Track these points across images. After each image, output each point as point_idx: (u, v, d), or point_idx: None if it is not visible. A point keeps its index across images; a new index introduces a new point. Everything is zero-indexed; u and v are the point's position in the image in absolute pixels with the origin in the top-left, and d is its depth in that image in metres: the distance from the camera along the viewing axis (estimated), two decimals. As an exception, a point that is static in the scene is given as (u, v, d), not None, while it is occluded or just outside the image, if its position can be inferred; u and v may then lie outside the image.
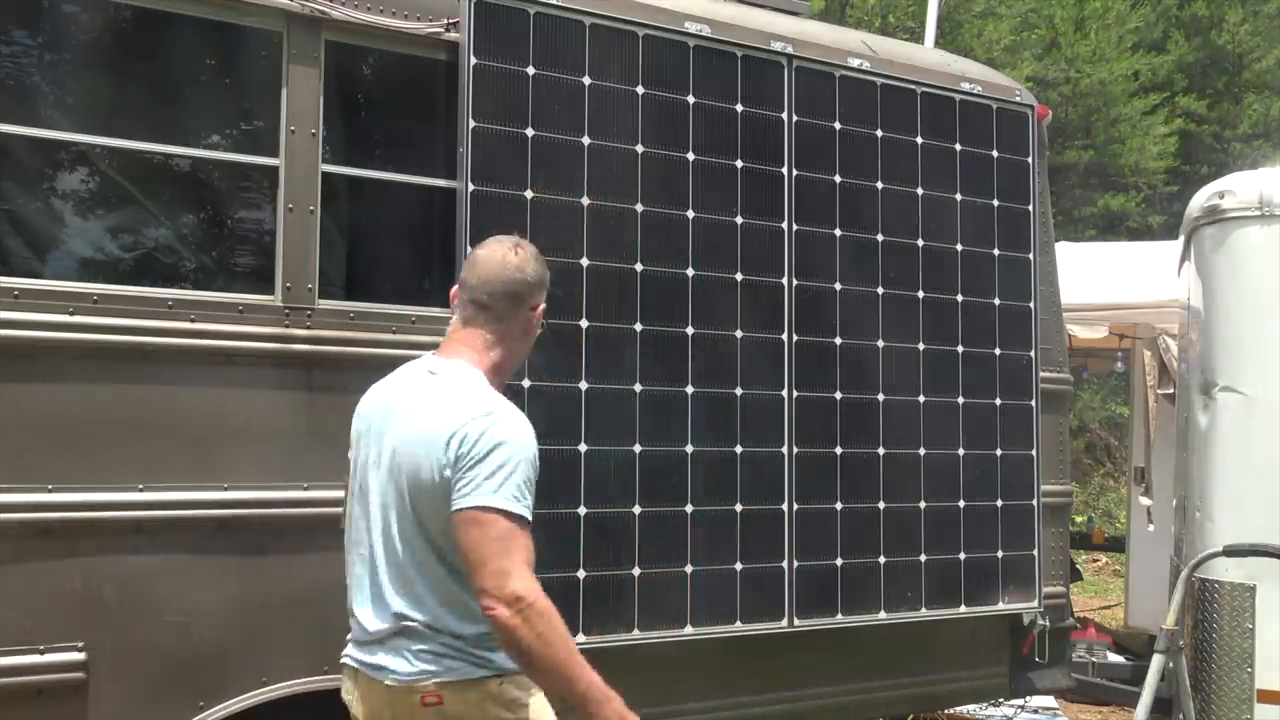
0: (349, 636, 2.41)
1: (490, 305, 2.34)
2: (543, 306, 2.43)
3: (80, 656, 2.66)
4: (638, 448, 3.31)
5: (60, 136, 2.80)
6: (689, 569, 3.39)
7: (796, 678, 3.66)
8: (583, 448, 3.21)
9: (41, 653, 2.63)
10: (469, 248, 3.08)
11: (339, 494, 2.91)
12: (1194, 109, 15.96)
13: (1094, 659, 6.34)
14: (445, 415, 2.21)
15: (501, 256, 2.36)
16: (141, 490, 2.74)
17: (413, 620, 2.22)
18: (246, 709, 2.83)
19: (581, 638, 3.13)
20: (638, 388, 3.34)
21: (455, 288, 2.44)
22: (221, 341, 2.85)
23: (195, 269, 3.03)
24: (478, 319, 2.35)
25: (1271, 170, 4.54)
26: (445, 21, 3.15)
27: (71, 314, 2.70)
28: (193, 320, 2.82)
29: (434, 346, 3.06)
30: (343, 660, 2.41)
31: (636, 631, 3.27)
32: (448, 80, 3.16)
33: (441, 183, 3.17)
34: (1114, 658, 6.51)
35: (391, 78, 3.25)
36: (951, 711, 5.34)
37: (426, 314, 3.12)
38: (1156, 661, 3.84)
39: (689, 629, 3.38)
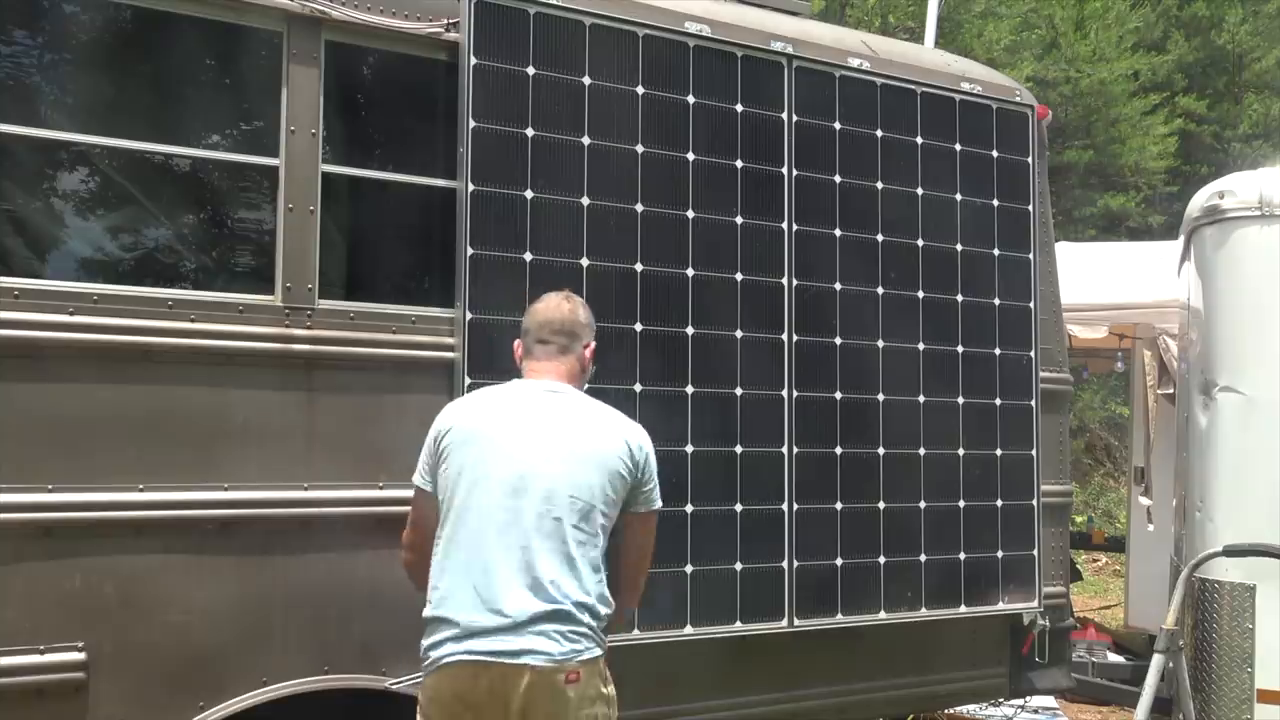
0: (452, 634, 2.46)
1: (552, 340, 2.74)
2: (593, 346, 2.80)
3: (80, 656, 2.66)
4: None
5: (60, 136, 2.80)
6: (689, 569, 3.39)
7: (796, 678, 3.66)
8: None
9: (41, 653, 2.63)
10: (469, 247, 3.09)
11: (339, 494, 2.94)
12: (1194, 109, 15.94)
13: (1094, 659, 6.34)
14: (616, 427, 2.67)
15: (556, 304, 2.79)
16: (141, 490, 2.74)
17: (570, 602, 2.47)
18: (246, 709, 2.83)
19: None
20: (638, 388, 3.34)
21: (517, 342, 2.80)
22: (221, 341, 2.85)
23: (195, 269, 3.03)
24: (545, 353, 2.74)
25: (1271, 170, 4.54)
26: (445, 21, 3.15)
27: (72, 314, 2.70)
28: (193, 320, 2.82)
29: (434, 346, 3.09)
30: (456, 658, 2.45)
31: (637, 631, 3.27)
32: (447, 80, 3.16)
33: (441, 183, 3.17)
34: (1114, 658, 6.51)
35: (391, 78, 3.25)
36: (951, 711, 5.35)
37: (426, 314, 3.12)
38: (1156, 661, 3.84)
39: (689, 629, 3.38)
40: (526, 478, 2.54)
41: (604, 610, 2.56)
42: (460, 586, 2.49)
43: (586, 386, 2.82)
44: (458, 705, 2.46)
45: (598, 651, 2.53)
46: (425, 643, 2.53)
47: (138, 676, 2.72)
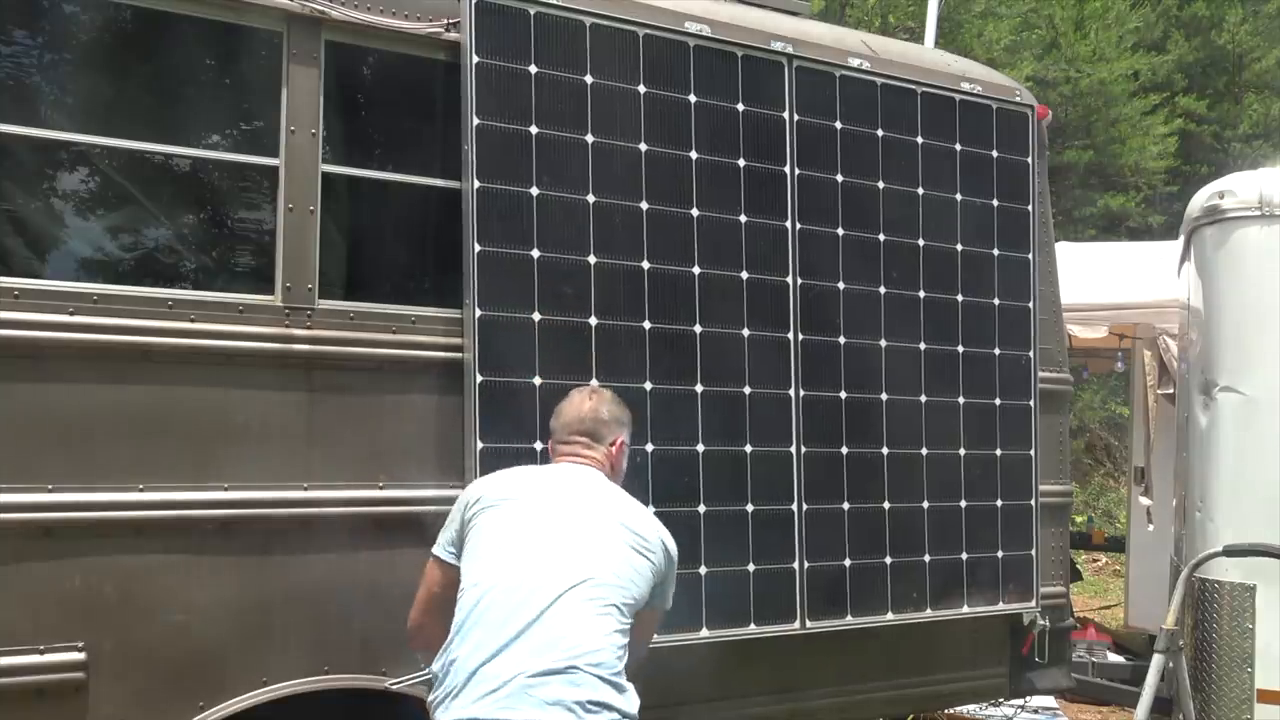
0: (455, 698, 2.30)
1: (575, 440, 2.72)
2: (623, 440, 2.77)
3: (80, 656, 2.66)
4: (649, 446, 3.30)
5: (60, 136, 2.80)
6: (703, 570, 3.38)
7: (798, 678, 3.65)
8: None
9: (41, 653, 2.62)
10: (476, 244, 3.09)
11: (339, 494, 2.93)
12: (1194, 109, 15.93)
13: (1094, 659, 6.34)
14: (651, 522, 2.64)
15: (579, 402, 2.78)
16: (141, 490, 2.74)
17: (591, 673, 2.31)
18: (246, 709, 2.82)
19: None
20: (648, 385, 3.33)
21: (550, 443, 2.80)
22: (221, 341, 2.84)
23: (195, 269, 3.03)
24: (569, 450, 2.72)
25: (1271, 170, 4.54)
26: (445, 21, 3.14)
27: (72, 314, 2.69)
28: (193, 320, 2.82)
29: (434, 347, 3.09)
30: None
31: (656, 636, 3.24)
32: (447, 80, 3.16)
33: (441, 183, 3.16)
34: (1114, 658, 6.51)
35: (391, 78, 3.24)
36: (951, 711, 5.34)
37: (426, 314, 3.12)
38: (1156, 661, 3.84)
39: (704, 631, 3.36)
40: (558, 555, 2.44)
41: (625, 693, 2.38)
42: (472, 655, 2.33)
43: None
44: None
45: None
46: (430, 700, 2.42)
47: (138, 676, 2.72)
